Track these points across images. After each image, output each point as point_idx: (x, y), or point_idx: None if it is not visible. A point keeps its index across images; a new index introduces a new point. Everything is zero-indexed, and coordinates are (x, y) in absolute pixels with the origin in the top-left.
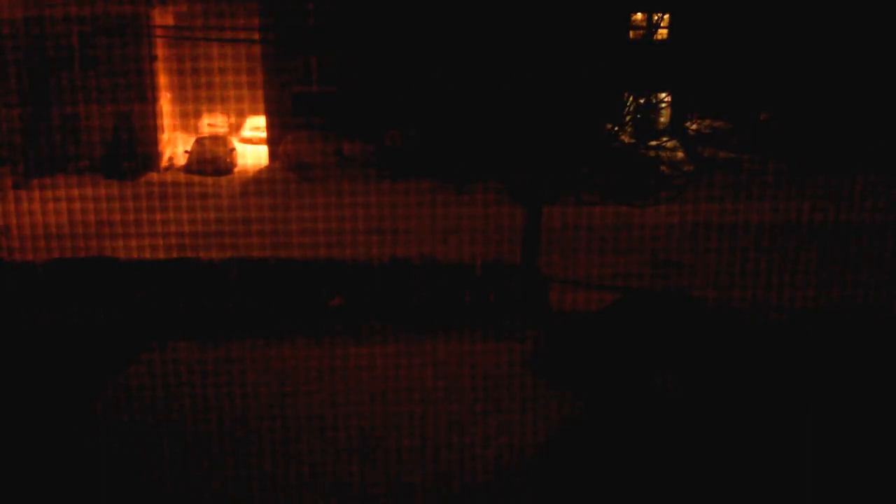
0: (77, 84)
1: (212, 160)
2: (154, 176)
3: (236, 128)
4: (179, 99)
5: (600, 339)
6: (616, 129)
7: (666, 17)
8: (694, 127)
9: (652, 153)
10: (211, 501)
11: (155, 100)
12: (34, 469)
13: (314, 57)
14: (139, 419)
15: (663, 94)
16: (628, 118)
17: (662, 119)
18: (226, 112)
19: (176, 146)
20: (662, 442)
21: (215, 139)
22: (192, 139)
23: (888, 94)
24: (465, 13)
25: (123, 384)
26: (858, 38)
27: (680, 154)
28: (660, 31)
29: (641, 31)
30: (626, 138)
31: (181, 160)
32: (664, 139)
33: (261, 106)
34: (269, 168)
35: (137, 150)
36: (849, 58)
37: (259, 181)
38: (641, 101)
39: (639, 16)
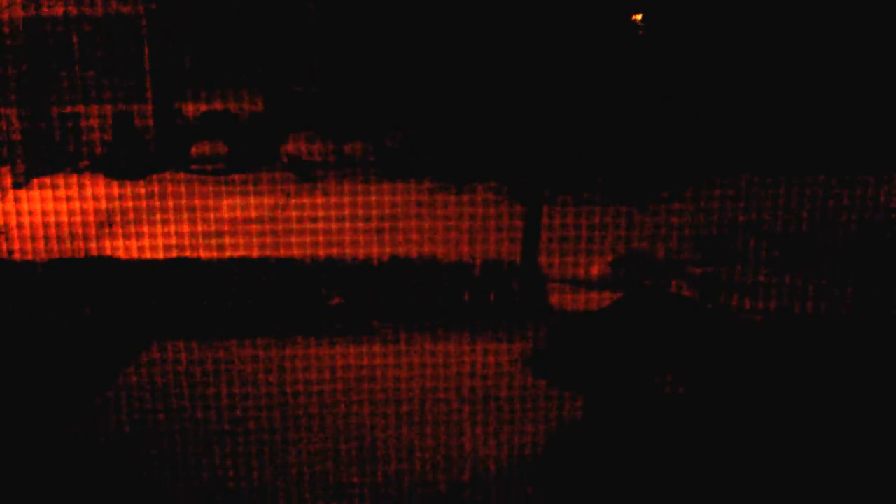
0: (77, 84)
1: (212, 159)
2: (154, 175)
3: None
4: None
5: (600, 339)
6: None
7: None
8: None
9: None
10: (210, 500)
11: None
12: (34, 468)
13: (314, 57)
14: (139, 419)
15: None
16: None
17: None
18: None
19: None
20: (662, 442)
21: None
22: None
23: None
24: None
25: (123, 384)
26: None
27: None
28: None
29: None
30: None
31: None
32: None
33: (260, 105)
34: (268, 168)
35: (138, 150)
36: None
37: (259, 181)
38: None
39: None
